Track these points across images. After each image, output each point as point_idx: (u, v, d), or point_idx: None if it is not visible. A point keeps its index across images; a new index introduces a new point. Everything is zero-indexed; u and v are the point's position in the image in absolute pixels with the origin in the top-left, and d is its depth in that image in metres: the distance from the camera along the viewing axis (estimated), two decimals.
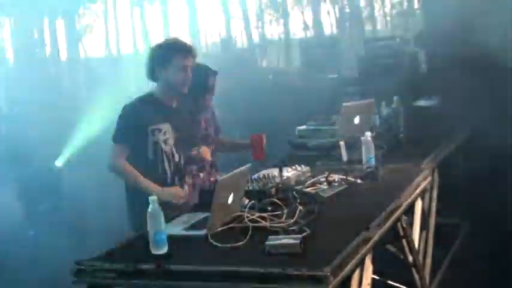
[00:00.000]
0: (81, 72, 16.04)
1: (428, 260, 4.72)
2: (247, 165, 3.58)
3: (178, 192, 3.89)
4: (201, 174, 4.28)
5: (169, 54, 3.86)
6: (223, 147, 4.74)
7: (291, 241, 2.76)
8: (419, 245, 4.43)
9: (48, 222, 7.74)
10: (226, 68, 8.21)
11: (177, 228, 3.25)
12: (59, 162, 8.62)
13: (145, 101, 3.91)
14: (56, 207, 8.22)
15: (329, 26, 26.23)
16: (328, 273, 2.48)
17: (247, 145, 4.57)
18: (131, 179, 3.84)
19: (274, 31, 26.78)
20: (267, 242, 2.79)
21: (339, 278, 2.56)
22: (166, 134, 3.89)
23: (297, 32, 25.67)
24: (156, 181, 3.85)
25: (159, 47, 3.95)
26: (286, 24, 26.23)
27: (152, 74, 3.92)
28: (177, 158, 3.98)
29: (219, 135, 4.72)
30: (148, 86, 4.02)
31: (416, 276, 4.13)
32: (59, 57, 19.12)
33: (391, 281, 4.46)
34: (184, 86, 3.91)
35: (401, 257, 4.05)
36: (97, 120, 9.67)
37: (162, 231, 2.90)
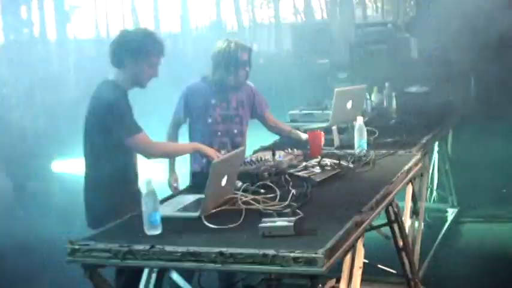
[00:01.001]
0: (70, 53, 15.92)
1: (418, 245, 4.76)
2: (241, 148, 3.61)
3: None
4: (222, 152, 4.24)
5: (144, 49, 3.77)
6: (270, 127, 4.82)
7: (285, 223, 2.78)
8: (409, 230, 4.46)
9: (37, 203, 7.77)
10: None
11: (170, 209, 3.25)
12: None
13: (122, 91, 3.81)
14: (46, 188, 8.22)
15: (319, 11, 26.18)
16: (322, 255, 2.50)
17: (287, 132, 4.74)
18: (168, 147, 4.04)
19: (264, 15, 26.72)
20: (260, 224, 2.80)
21: (332, 260, 2.58)
22: None
23: (288, 16, 25.61)
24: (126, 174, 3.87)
25: (135, 37, 3.82)
26: (276, 8, 26.16)
27: (119, 61, 3.80)
28: None
29: (265, 112, 4.77)
30: None
31: (406, 261, 4.16)
32: (47, 37, 18.98)
33: (381, 265, 4.49)
34: (147, 82, 3.87)
35: (392, 241, 4.08)
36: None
37: (157, 212, 2.91)
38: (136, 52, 3.75)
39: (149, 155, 3.79)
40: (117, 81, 3.80)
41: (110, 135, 3.66)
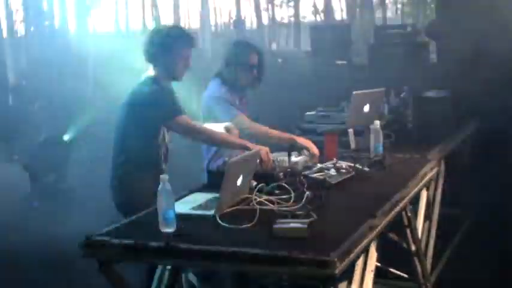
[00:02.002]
0: (90, 47, 16.03)
1: (430, 250, 4.76)
2: (257, 149, 3.62)
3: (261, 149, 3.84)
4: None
5: (174, 43, 3.93)
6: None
7: (299, 225, 2.80)
8: (422, 234, 4.47)
9: (52, 194, 7.83)
10: None
11: (185, 207, 3.28)
12: (66, 136, 8.65)
13: (158, 83, 3.95)
14: (61, 180, 8.28)
15: (339, 11, 26.17)
16: (335, 259, 2.51)
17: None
18: (216, 138, 3.97)
19: (284, 14, 26.75)
20: (274, 225, 2.82)
21: (345, 263, 2.60)
22: None
23: (307, 16, 25.64)
24: (155, 160, 3.98)
25: (165, 33, 3.99)
26: (296, 7, 26.16)
27: (153, 58, 3.98)
28: (167, 139, 4.09)
29: None
30: None
31: (418, 266, 4.17)
32: (68, 30, 19.09)
33: (393, 269, 4.50)
34: (183, 74, 4.03)
35: (404, 245, 4.08)
36: (106, 97, 9.71)
37: (172, 209, 2.94)
38: (168, 46, 3.91)
39: (194, 135, 3.95)
40: (155, 77, 3.96)
41: (144, 125, 3.86)
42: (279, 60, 11.24)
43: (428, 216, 4.70)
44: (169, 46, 3.92)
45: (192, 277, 3.67)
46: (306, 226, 2.77)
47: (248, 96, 4.78)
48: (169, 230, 2.92)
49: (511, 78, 6.80)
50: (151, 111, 3.82)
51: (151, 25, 22.14)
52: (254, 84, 4.62)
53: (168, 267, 3.36)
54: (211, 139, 4.04)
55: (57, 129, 8.77)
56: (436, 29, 8.92)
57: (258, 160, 3.66)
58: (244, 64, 4.46)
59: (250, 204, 3.23)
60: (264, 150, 3.81)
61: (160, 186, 2.94)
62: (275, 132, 4.37)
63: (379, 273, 3.31)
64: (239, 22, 20.21)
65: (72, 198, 7.82)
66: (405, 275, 4.46)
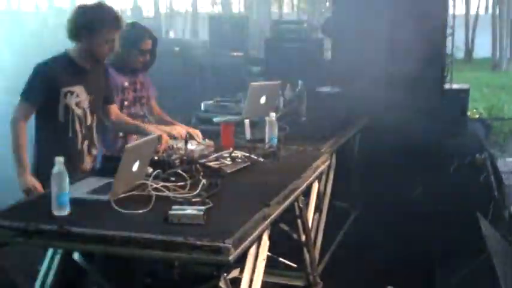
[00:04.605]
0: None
1: (319, 241, 4.89)
2: (154, 135, 3.61)
3: (33, 185, 3.63)
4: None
5: (99, 24, 3.76)
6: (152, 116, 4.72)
7: (194, 212, 2.82)
8: (312, 225, 4.58)
9: None
10: None
11: (80, 191, 3.23)
12: None
13: (60, 62, 3.81)
14: None
15: (236, 3, 26.27)
16: (230, 245, 2.55)
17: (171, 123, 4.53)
18: (15, 143, 3.66)
19: (181, 3, 26.60)
20: (170, 211, 2.83)
21: (239, 250, 2.64)
22: (79, 97, 3.82)
23: (204, 6, 25.61)
24: (66, 145, 3.79)
25: (89, 11, 3.80)
26: None
27: (75, 36, 3.80)
28: (89, 121, 3.91)
29: (151, 101, 4.71)
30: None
31: (307, 255, 4.28)
32: None
33: (282, 258, 4.60)
34: (106, 57, 3.90)
35: (295, 236, 4.18)
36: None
37: (66, 192, 2.89)
38: (90, 26, 3.75)
39: (11, 122, 3.69)
40: (71, 54, 3.83)
41: None
42: (176, 48, 11.18)
43: (318, 208, 4.83)
44: (93, 26, 3.74)
45: (77, 257, 3.58)
46: (202, 213, 2.80)
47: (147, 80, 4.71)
48: (63, 213, 2.88)
49: (400, 77, 7.08)
50: None
51: (44, 7, 21.36)
52: (143, 69, 4.57)
53: (60, 251, 3.30)
54: (12, 142, 3.70)
55: None
56: (331, 27, 9.15)
57: (156, 146, 3.65)
58: (137, 47, 4.40)
59: (146, 190, 3.22)
60: (164, 134, 3.90)
61: (54, 168, 2.89)
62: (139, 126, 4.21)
63: (269, 263, 3.37)
64: (136, 10, 19.93)
65: None
66: (294, 265, 4.56)
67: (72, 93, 3.79)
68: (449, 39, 10.39)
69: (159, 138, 3.86)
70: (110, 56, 3.95)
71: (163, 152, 3.84)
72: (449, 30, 10.29)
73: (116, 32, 3.82)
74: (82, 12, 3.80)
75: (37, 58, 3.79)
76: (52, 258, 3.27)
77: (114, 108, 4.16)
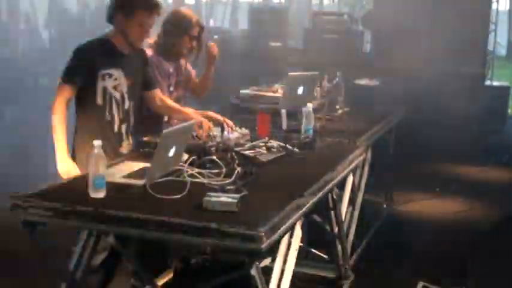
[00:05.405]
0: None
1: (352, 234, 4.88)
2: (192, 121, 3.63)
3: (72, 171, 3.64)
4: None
5: (131, 5, 3.77)
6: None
7: (229, 199, 2.82)
8: (344, 218, 4.57)
9: None
10: None
11: (116, 175, 3.27)
12: None
13: (98, 44, 3.83)
14: None
15: None
16: (262, 234, 2.56)
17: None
18: (55, 126, 3.68)
19: None
20: (204, 198, 2.84)
21: (272, 239, 2.65)
22: (117, 80, 3.84)
23: None
24: (104, 128, 3.83)
25: None
26: None
27: (111, 18, 3.83)
28: (126, 106, 3.93)
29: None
30: None
31: (339, 247, 4.27)
32: None
33: (315, 249, 4.60)
34: (141, 41, 3.91)
35: (327, 227, 4.17)
36: None
37: (102, 175, 2.93)
38: (126, 10, 3.77)
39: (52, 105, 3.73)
40: (110, 38, 3.86)
41: None
42: (215, 36, 11.21)
43: (352, 201, 4.81)
44: (128, 10, 3.76)
45: (112, 240, 3.61)
46: (235, 200, 2.81)
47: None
48: (99, 195, 2.92)
49: (439, 73, 7.03)
50: None
51: None
52: (189, 56, 4.60)
53: (94, 233, 3.34)
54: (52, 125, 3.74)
55: None
56: (372, 20, 9.10)
57: (192, 133, 3.68)
58: (187, 33, 4.43)
59: (181, 176, 3.24)
60: (205, 120, 3.96)
61: (92, 151, 2.93)
62: (183, 111, 4.23)
63: (300, 253, 3.38)
64: None
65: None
66: (326, 256, 4.56)
67: (110, 75, 3.81)
68: (491, 36, 10.28)
69: (201, 124, 3.90)
70: (145, 40, 3.96)
71: (205, 138, 3.87)
72: (491, 27, 10.19)
73: (149, 15, 3.81)
74: None
75: (78, 42, 3.83)
76: (87, 240, 3.32)
77: (157, 93, 4.18)
